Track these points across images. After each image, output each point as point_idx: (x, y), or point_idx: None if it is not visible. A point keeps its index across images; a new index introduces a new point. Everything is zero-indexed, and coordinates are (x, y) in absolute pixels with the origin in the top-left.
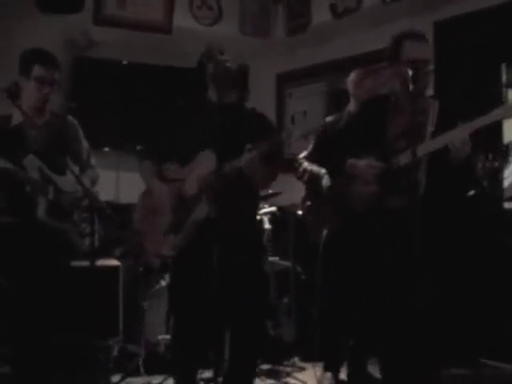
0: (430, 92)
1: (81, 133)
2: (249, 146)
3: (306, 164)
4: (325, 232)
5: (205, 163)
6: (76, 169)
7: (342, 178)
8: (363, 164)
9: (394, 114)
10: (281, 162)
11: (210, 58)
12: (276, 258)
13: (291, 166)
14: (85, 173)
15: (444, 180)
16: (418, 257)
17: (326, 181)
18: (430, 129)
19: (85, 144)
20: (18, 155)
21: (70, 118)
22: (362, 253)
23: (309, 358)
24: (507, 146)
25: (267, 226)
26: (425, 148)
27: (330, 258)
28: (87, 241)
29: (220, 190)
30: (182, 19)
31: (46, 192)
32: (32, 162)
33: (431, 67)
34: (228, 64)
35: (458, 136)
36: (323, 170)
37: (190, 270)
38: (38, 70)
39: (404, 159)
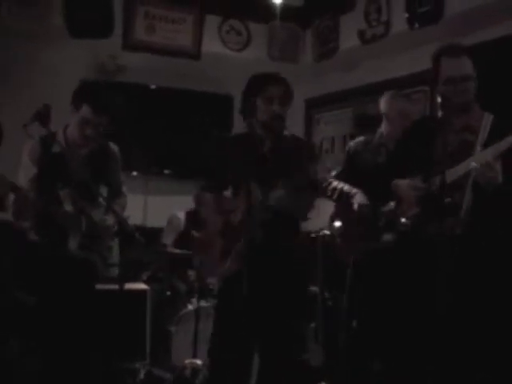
0: None
1: (119, 161)
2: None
3: (335, 183)
4: (354, 254)
5: (250, 195)
6: (108, 196)
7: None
8: (405, 184)
9: (441, 134)
10: (317, 190)
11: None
12: None
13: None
14: (116, 200)
15: (488, 204)
16: (456, 283)
17: (360, 198)
18: (479, 146)
19: (121, 173)
20: (55, 186)
21: (113, 146)
22: (394, 276)
23: (336, 382)
24: None
25: None
26: (453, 173)
27: (359, 281)
28: (111, 270)
29: (261, 219)
30: (211, 44)
31: (78, 225)
32: (67, 195)
33: (471, 83)
34: (278, 112)
35: (481, 160)
36: (355, 189)
37: (237, 294)
38: (85, 111)
39: (446, 179)
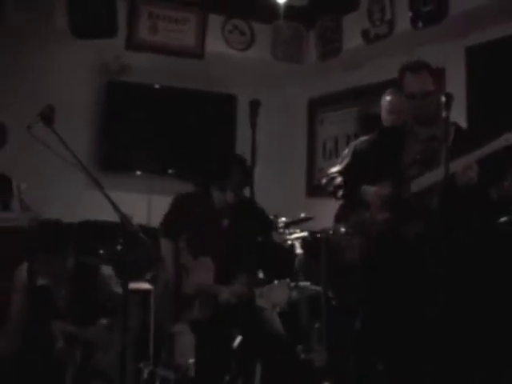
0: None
1: (114, 282)
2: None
3: (339, 179)
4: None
5: (203, 271)
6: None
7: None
8: (373, 190)
9: (410, 141)
10: None
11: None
12: (307, 283)
13: (321, 192)
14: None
15: (459, 206)
16: (436, 283)
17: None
18: (444, 155)
19: (118, 291)
20: (44, 322)
21: (101, 271)
22: (389, 277)
23: (340, 383)
24: None
25: (299, 250)
26: (432, 176)
27: (363, 282)
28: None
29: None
30: (215, 44)
31: (73, 359)
32: (58, 328)
33: (433, 98)
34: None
35: (464, 164)
36: None
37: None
38: (41, 258)
39: (415, 186)
